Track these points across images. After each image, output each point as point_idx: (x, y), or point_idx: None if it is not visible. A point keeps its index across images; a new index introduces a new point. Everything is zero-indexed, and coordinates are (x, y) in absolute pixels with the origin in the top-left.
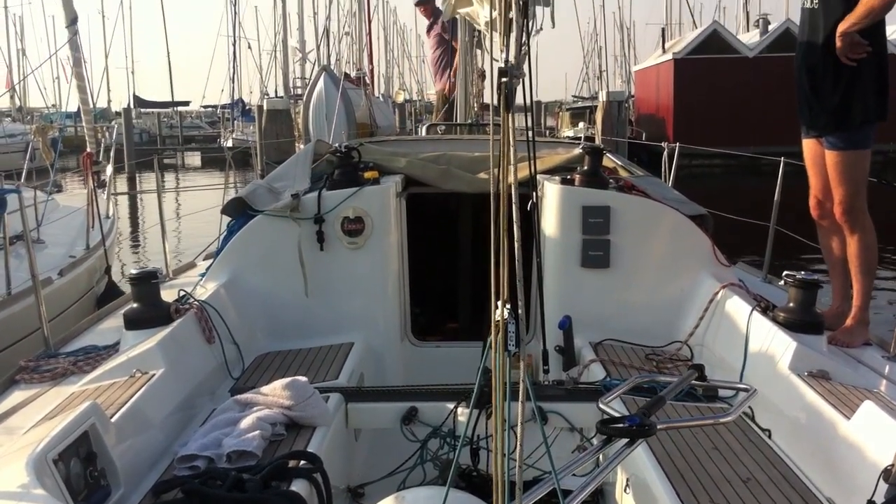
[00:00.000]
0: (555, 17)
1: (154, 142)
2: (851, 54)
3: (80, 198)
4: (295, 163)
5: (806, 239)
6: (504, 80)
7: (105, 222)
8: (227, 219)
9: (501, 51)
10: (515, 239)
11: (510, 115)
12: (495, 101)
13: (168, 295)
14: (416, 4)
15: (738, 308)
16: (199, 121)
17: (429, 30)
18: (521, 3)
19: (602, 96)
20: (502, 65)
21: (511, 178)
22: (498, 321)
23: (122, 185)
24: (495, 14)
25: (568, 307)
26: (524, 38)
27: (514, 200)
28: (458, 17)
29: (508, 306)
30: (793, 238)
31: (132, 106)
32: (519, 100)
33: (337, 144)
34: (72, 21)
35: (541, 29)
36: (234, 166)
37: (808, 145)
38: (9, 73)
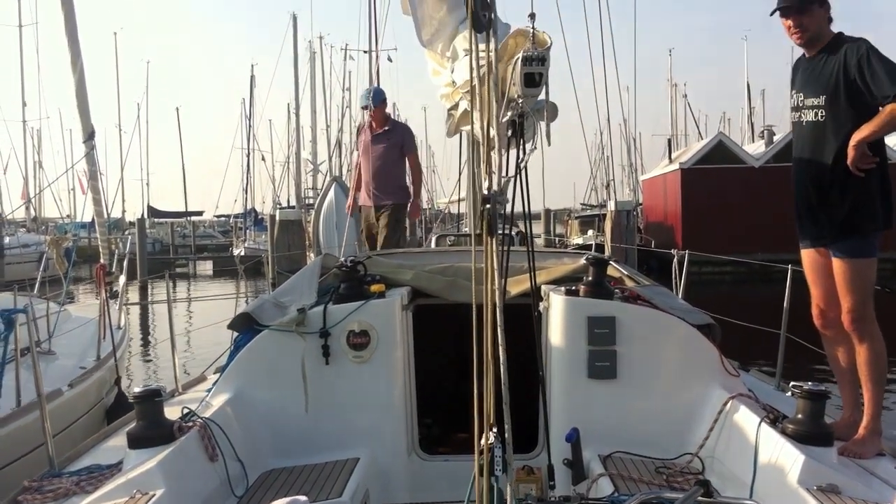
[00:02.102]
0: (551, 136)
1: (167, 251)
2: (861, 164)
3: (93, 308)
4: (302, 277)
5: (817, 347)
6: (487, 206)
7: (116, 333)
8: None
9: (485, 179)
10: (502, 362)
11: (492, 240)
12: (478, 227)
13: (175, 411)
14: (366, 107)
15: (746, 420)
16: (211, 230)
17: (375, 140)
18: (518, 123)
19: (611, 205)
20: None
21: (498, 302)
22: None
23: (134, 294)
24: (490, 133)
25: (576, 419)
26: (521, 156)
27: (499, 324)
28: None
29: (495, 430)
30: (806, 344)
31: (146, 216)
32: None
33: (343, 259)
34: (89, 136)
35: (535, 148)
36: (245, 276)
37: (809, 256)
38: (25, 184)
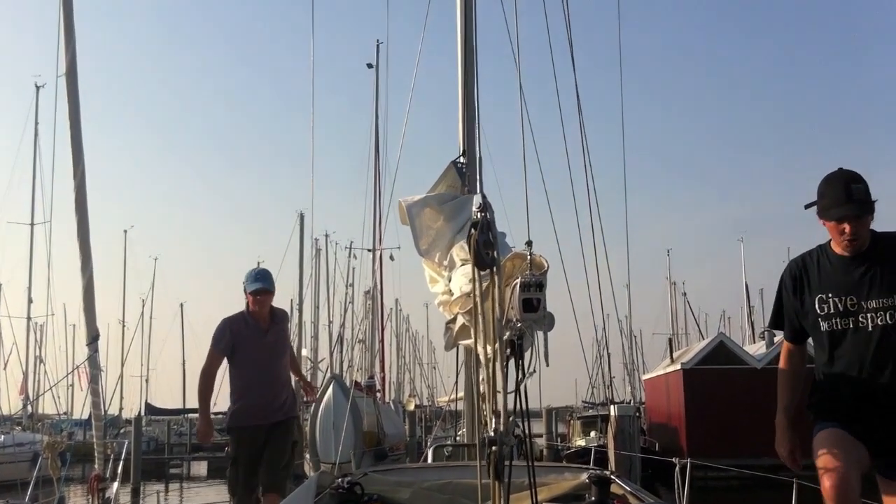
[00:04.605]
0: (548, 356)
1: (161, 450)
2: None
3: None
4: (297, 499)
5: None
6: (494, 448)
7: None
8: None
9: (488, 420)
10: None
11: (499, 484)
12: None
13: None
14: (258, 292)
15: None
16: None
17: (263, 340)
18: (517, 344)
19: (612, 410)
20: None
21: None
22: None
23: (126, 497)
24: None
25: None
26: (520, 376)
27: None
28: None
29: None
30: None
31: (143, 414)
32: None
33: (339, 479)
34: (93, 339)
35: (533, 371)
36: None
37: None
38: (24, 380)
